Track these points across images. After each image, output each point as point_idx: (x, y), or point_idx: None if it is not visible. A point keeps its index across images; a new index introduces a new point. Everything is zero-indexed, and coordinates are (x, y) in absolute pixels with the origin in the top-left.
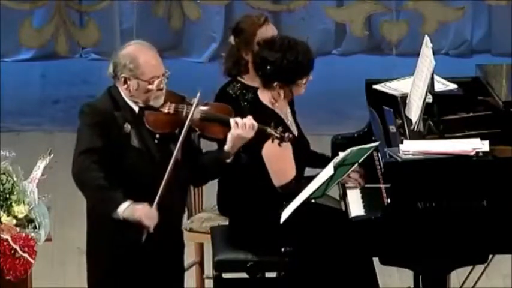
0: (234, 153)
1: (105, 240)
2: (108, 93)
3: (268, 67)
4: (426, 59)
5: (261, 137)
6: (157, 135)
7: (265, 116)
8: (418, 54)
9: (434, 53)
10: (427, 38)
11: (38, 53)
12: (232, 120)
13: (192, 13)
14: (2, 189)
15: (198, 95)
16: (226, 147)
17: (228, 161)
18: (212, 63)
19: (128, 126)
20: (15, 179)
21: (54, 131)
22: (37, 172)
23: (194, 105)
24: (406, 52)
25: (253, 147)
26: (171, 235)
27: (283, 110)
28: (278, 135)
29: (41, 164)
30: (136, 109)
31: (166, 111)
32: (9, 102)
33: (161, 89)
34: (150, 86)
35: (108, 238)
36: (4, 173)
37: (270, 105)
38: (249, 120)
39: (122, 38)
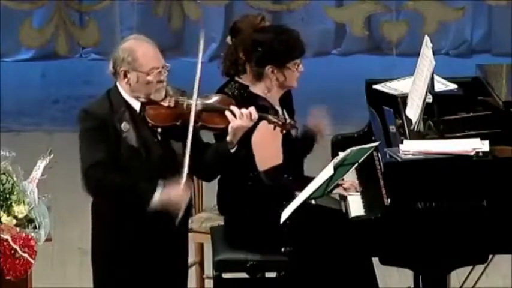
0: (236, 143)
1: (109, 238)
2: (106, 95)
3: (260, 48)
4: (426, 59)
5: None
6: (159, 130)
7: (260, 105)
8: (418, 54)
9: (434, 53)
10: (427, 38)
11: (38, 53)
12: (231, 111)
13: (192, 13)
14: (2, 189)
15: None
16: (228, 138)
17: (232, 151)
18: (212, 63)
19: (126, 126)
20: (15, 179)
21: (54, 131)
22: (37, 172)
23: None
24: (406, 52)
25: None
26: (176, 234)
27: (275, 104)
28: (280, 122)
29: (41, 164)
30: (138, 106)
31: (166, 104)
32: (9, 102)
33: (161, 81)
34: (149, 78)
35: (113, 236)
36: (4, 173)
37: (262, 95)
38: (248, 109)
39: (122, 38)
